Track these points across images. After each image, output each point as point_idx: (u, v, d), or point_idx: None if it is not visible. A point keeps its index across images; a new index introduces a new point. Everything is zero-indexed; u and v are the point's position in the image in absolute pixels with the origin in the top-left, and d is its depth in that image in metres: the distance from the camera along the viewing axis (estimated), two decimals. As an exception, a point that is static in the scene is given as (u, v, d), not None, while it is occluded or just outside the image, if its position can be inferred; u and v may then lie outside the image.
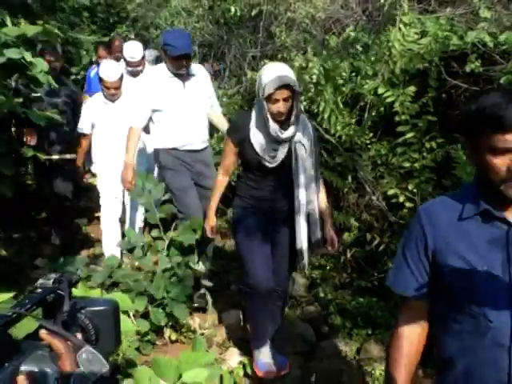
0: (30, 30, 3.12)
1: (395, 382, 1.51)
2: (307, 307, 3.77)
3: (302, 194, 2.73)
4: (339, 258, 3.98)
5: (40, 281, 0.80)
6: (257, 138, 2.68)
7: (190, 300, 3.41)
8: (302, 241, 2.77)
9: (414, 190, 3.31)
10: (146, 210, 3.76)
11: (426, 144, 3.27)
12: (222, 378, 3.06)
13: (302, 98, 3.64)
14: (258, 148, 2.68)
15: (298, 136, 2.71)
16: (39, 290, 0.79)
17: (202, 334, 3.42)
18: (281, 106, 2.55)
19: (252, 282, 2.80)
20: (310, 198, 2.77)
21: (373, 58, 3.37)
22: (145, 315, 3.13)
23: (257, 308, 2.89)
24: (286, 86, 2.50)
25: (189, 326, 3.41)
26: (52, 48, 4.57)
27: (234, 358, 3.31)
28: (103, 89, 4.16)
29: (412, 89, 3.39)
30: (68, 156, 4.57)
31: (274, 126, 2.63)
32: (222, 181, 2.95)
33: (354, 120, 3.53)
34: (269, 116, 2.60)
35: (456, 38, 3.29)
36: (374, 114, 3.46)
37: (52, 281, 0.80)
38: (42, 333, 0.72)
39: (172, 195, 3.73)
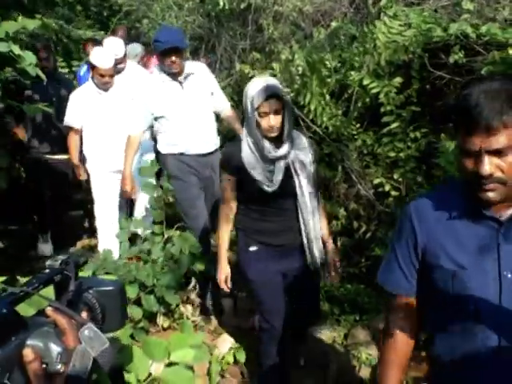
0: (30, 24, 3.17)
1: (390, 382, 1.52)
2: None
3: (307, 216, 2.51)
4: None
5: (48, 262, 0.85)
6: (250, 161, 2.44)
7: (181, 288, 3.49)
8: (317, 258, 2.58)
9: (400, 179, 3.39)
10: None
11: (410, 134, 3.35)
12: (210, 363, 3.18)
13: (289, 89, 3.70)
14: (253, 172, 2.43)
15: (295, 153, 2.47)
16: (47, 271, 0.83)
17: (194, 322, 3.52)
18: (271, 120, 2.32)
19: (267, 326, 2.68)
20: (316, 218, 2.55)
21: (356, 51, 3.43)
22: (137, 303, 3.21)
23: (269, 349, 2.74)
24: (274, 97, 2.30)
25: (181, 313, 3.50)
26: (45, 46, 4.54)
27: (225, 344, 3.40)
28: (96, 77, 3.92)
29: (398, 80, 3.47)
30: (60, 157, 4.52)
31: (265, 144, 2.39)
32: (227, 216, 2.63)
33: (340, 111, 3.60)
34: (259, 133, 2.37)
35: (440, 30, 3.36)
36: (359, 105, 3.53)
37: (59, 262, 0.84)
38: (48, 310, 0.76)
39: (178, 205, 3.60)
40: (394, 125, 3.36)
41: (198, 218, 3.53)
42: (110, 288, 0.88)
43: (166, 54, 3.24)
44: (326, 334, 3.40)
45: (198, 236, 3.53)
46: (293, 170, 2.46)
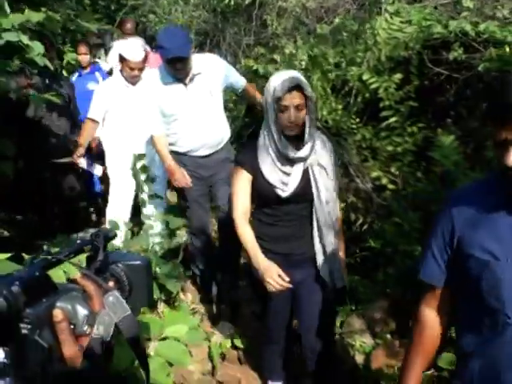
0: (34, 16, 3.25)
1: (416, 370, 1.55)
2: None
3: (324, 225, 2.32)
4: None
5: (80, 234, 0.93)
6: (265, 161, 2.26)
7: (182, 277, 3.58)
8: (343, 276, 2.42)
9: (397, 173, 3.46)
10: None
11: (407, 128, 3.42)
12: (210, 349, 3.26)
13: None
14: (267, 173, 2.26)
15: (315, 156, 2.27)
16: (78, 241, 0.89)
17: (194, 309, 3.60)
18: (292, 115, 2.15)
19: (268, 336, 2.67)
20: (333, 229, 2.37)
21: (358, 47, 3.50)
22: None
23: (269, 348, 2.74)
24: (297, 89, 2.14)
25: (181, 301, 3.58)
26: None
27: (223, 331, 3.48)
28: (126, 70, 3.83)
29: (398, 76, 3.53)
30: (65, 160, 4.38)
31: (283, 142, 2.21)
32: (245, 217, 2.37)
33: (340, 106, 3.67)
34: (277, 129, 2.19)
35: (440, 27, 3.42)
36: (359, 99, 3.60)
37: (90, 234, 0.89)
38: (77, 276, 0.82)
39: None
40: (393, 119, 3.43)
41: (197, 220, 3.54)
42: (138, 263, 0.91)
43: (170, 62, 3.17)
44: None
45: (197, 235, 3.60)
46: (311, 174, 2.28)
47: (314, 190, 2.27)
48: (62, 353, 0.75)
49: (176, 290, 3.40)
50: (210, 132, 3.42)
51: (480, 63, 3.18)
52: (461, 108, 3.82)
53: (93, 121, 4.04)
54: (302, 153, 2.22)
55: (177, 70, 3.19)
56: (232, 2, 4.54)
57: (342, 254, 2.49)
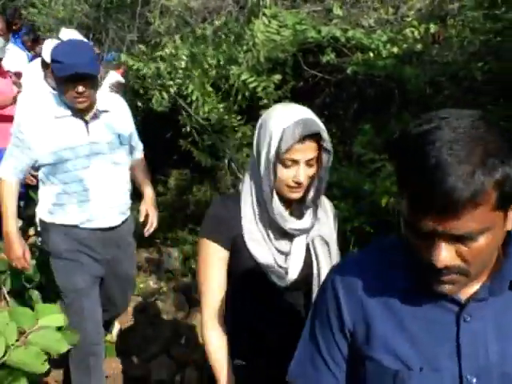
0: None
1: None
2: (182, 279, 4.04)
3: None
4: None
5: None
6: (253, 233, 1.57)
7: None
8: None
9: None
10: None
11: (284, 126, 3.62)
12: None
13: (172, 82, 3.80)
14: (257, 251, 1.56)
15: (318, 227, 1.64)
16: None
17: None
18: (300, 174, 1.49)
19: None
20: None
21: (240, 48, 3.65)
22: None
23: None
24: (313, 138, 1.47)
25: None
26: None
27: (113, 328, 3.47)
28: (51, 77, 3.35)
29: (277, 77, 3.73)
30: None
31: (277, 207, 1.54)
32: (212, 339, 1.60)
33: (221, 105, 3.80)
34: (270, 188, 1.52)
35: (314, 32, 3.67)
36: (240, 98, 3.75)
37: None
38: None
39: (61, 294, 2.57)
40: (270, 117, 3.61)
41: (86, 317, 2.52)
42: None
43: (69, 81, 2.24)
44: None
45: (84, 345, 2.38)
46: (313, 252, 1.63)
47: (315, 271, 1.62)
48: None
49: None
50: (115, 191, 2.50)
51: (348, 66, 3.46)
52: (337, 108, 4.13)
53: None
54: (303, 223, 1.59)
55: (78, 94, 2.26)
56: (115, -2, 4.50)
57: None
